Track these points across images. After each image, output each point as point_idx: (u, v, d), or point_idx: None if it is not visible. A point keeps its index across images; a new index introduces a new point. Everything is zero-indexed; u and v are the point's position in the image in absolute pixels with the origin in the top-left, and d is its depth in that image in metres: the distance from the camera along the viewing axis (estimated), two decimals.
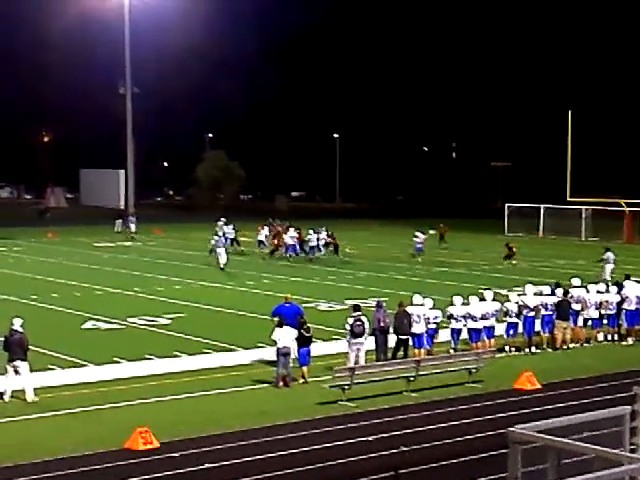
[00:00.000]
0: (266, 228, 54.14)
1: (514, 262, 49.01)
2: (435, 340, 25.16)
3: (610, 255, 43.47)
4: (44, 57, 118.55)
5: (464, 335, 25.70)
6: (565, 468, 10.30)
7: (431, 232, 55.62)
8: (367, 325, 23.07)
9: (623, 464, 9.79)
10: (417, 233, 53.04)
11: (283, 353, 21.76)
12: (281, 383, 21.81)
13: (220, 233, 51.12)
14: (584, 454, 10.29)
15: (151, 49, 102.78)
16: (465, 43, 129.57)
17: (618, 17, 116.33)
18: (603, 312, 27.95)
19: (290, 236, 51.48)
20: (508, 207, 78.14)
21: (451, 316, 25.62)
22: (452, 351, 24.97)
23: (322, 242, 51.92)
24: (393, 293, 35.54)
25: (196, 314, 32.65)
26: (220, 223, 55.04)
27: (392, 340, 24.30)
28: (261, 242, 53.07)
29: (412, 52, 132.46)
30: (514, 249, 49.94)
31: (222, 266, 45.73)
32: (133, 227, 68.01)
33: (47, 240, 64.33)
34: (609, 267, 42.46)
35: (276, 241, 52.37)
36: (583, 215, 72.64)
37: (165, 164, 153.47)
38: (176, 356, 25.07)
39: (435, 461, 16.59)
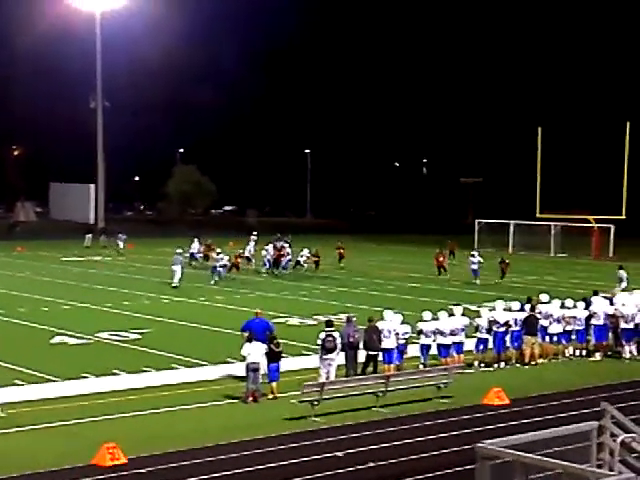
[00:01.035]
0: (270, 246, 53.11)
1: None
2: (405, 356, 25.16)
3: (622, 273, 43.60)
4: (13, 70, 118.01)
5: (433, 350, 25.75)
6: None
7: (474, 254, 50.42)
8: (339, 341, 23.05)
9: None
10: (473, 252, 50.38)
11: (252, 368, 21.67)
12: (250, 398, 21.72)
13: (188, 249, 51.09)
14: (552, 469, 10.31)
15: (123, 62, 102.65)
16: (436, 60, 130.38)
17: (586, 36, 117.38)
18: (569, 328, 28.10)
19: (266, 249, 51.68)
20: (478, 223, 78.54)
21: (421, 332, 25.64)
22: (421, 366, 24.98)
23: (303, 258, 52.43)
24: (364, 308, 35.55)
25: (165, 329, 32.50)
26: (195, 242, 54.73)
27: (362, 355, 24.29)
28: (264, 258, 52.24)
29: (383, 69, 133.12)
30: (507, 262, 50.22)
31: (175, 283, 44.65)
32: (121, 244, 66.58)
33: (16, 254, 63.87)
34: (622, 285, 41.49)
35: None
36: (552, 231, 73.13)
37: (136, 178, 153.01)
38: (144, 371, 24.91)
39: (404, 477, 16.57)
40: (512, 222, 75.08)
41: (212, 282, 46.00)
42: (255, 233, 60.44)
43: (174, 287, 44.16)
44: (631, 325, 28.56)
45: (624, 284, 41.66)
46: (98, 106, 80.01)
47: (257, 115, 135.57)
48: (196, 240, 54.76)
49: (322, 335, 23.05)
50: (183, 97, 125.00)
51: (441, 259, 50.91)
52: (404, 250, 73.34)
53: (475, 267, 48.50)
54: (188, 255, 52.95)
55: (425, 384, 22.68)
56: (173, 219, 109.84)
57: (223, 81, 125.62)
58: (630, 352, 28.55)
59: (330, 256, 56.59)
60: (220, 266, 47.49)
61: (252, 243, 54.97)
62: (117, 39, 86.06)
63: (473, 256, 49.12)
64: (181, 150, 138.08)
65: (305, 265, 52.46)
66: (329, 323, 23.59)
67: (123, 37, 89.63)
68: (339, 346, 23.02)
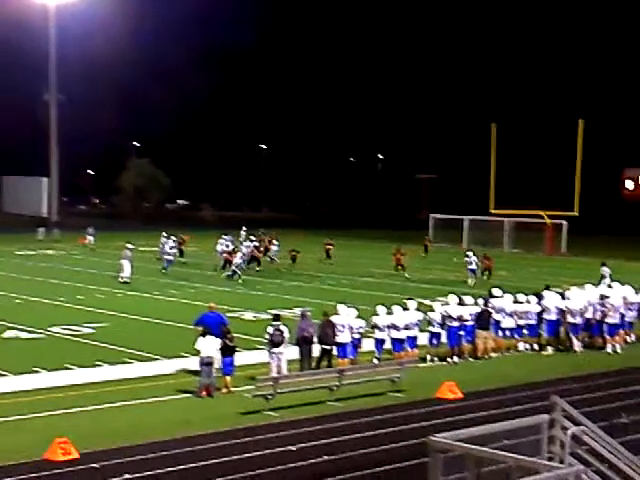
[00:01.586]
0: (248, 243, 52.73)
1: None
2: (359, 350, 25.24)
3: (605, 269, 43.80)
4: None
5: (388, 345, 25.86)
6: (485, 476, 10.39)
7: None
8: (287, 334, 23.02)
9: (540, 472, 9.91)
10: (468, 253, 49.50)
11: (206, 363, 21.63)
12: (204, 393, 21.67)
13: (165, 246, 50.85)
14: (503, 462, 10.40)
15: (77, 55, 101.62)
16: (390, 57, 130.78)
17: (540, 34, 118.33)
18: (522, 322, 28.38)
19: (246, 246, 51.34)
20: (432, 218, 78.94)
21: (375, 326, 25.74)
22: (376, 361, 25.09)
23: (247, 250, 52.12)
24: (319, 303, 35.60)
25: (119, 323, 32.30)
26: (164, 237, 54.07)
27: (317, 350, 24.33)
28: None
29: (339, 64, 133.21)
30: (491, 261, 50.02)
31: (125, 279, 44.14)
32: (92, 239, 65.62)
33: None
34: (605, 282, 40.78)
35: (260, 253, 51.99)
36: (506, 227, 73.73)
37: (90, 172, 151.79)
38: (98, 366, 24.75)
39: (357, 470, 16.64)
40: (466, 218, 75.57)
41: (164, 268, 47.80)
42: (245, 228, 60.48)
43: (123, 282, 43.76)
44: (578, 320, 28.88)
45: (607, 280, 41.48)
46: (52, 99, 79.10)
47: (212, 109, 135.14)
48: (172, 238, 53.37)
49: (270, 329, 23.03)
50: (138, 90, 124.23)
51: (399, 257, 50.92)
52: (359, 245, 73.56)
53: (473, 267, 47.86)
54: (173, 251, 51.83)
55: (379, 378, 22.79)
56: (127, 213, 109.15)
57: (179, 75, 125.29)
58: (578, 346, 28.90)
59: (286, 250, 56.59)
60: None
61: (243, 238, 54.27)
62: (72, 32, 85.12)
63: (468, 256, 48.61)
64: (136, 144, 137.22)
65: (276, 260, 52.16)
66: (276, 317, 23.57)
67: (78, 30, 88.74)
68: (287, 340, 23.02)
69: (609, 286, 33.64)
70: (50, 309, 35.46)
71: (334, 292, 41.30)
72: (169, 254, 50.42)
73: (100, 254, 59.88)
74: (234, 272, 46.58)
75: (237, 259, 47.53)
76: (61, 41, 79.59)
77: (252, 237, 55.28)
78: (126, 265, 44.57)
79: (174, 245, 51.90)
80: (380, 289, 43.05)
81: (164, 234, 53.50)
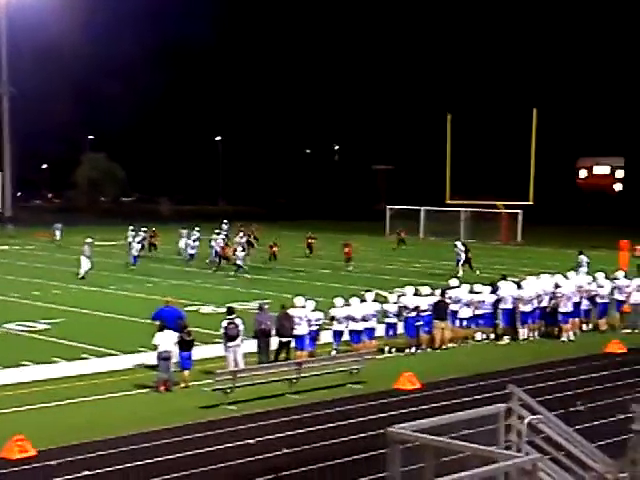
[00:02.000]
0: (241, 233, 52.23)
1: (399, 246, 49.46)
2: (317, 342, 25.26)
3: (583, 258, 44.06)
4: None
5: (346, 337, 25.90)
6: (443, 466, 10.44)
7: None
8: (242, 327, 22.96)
9: (498, 461, 9.98)
10: (457, 243, 49.70)
11: (164, 357, 21.54)
12: (162, 387, 21.58)
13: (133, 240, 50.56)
14: (461, 452, 10.45)
15: (29, 48, 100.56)
16: (345, 48, 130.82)
17: (493, 23, 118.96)
18: (478, 312, 28.56)
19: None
20: (389, 209, 79.18)
21: (333, 318, 25.77)
22: (334, 352, 25.13)
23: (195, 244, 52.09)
24: (276, 295, 35.58)
25: (75, 319, 32.05)
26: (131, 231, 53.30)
27: (275, 343, 24.31)
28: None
29: (295, 55, 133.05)
30: (402, 235, 50.84)
31: (81, 275, 43.67)
32: (58, 234, 64.45)
33: None
34: (583, 270, 40.51)
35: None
36: (462, 217, 74.16)
37: (44, 167, 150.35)
38: (54, 362, 24.54)
39: (316, 462, 16.65)
40: (422, 208, 75.89)
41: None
42: (226, 221, 60.16)
43: (81, 278, 43.35)
44: (529, 308, 29.12)
45: (584, 269, 41.36)
46: (4, 93, 78.25)
47: (168, 102, 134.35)
48: (241, 232, 52.14)
49: (224, 323, 22.96)
50: (93, 84, 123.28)
51: (347, 250, 50.60)
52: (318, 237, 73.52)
53: (461, 257, 47.81)
54: (138, 246, 51.00)
55: (338, 370, 22.83)
56: (82, 207, 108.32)
57: (134, 67, 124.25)
58: (525, 334, 29.20)
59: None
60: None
61: (242, 232, 53.95)
62: (23, 24, 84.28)
63: (456, 246, 48.78)
64: (91, 137, 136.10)
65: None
66: (230, 310, 23.50)
67: (29, 23, 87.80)
68: (242, 333, 22.96)
69: (588, 274, 34.01)
70: (5, 305, 35.09)
71: (292, 285, 41.28)
72: (136, 249, 49.96)
73: (59, 249, 59.36)
74: (239, 266, 46.34)
75: (238, 252, 47.24)
76: (12, 34, 78.73)
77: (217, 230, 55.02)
78: (84, 260, 44.12)
79: (142, 239, 51.55)
80: (338, 281, 43.08)
81: (131, 228, 53.18)
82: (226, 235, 54.09)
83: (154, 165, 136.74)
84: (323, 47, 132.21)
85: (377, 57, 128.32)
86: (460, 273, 45.58)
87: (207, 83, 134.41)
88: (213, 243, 50.63)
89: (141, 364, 24.22)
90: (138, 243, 50.55)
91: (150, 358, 23.27)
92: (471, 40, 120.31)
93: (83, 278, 43.21)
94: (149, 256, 53.90)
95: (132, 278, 43.71)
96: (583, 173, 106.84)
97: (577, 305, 30.00)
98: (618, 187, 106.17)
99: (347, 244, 51.13)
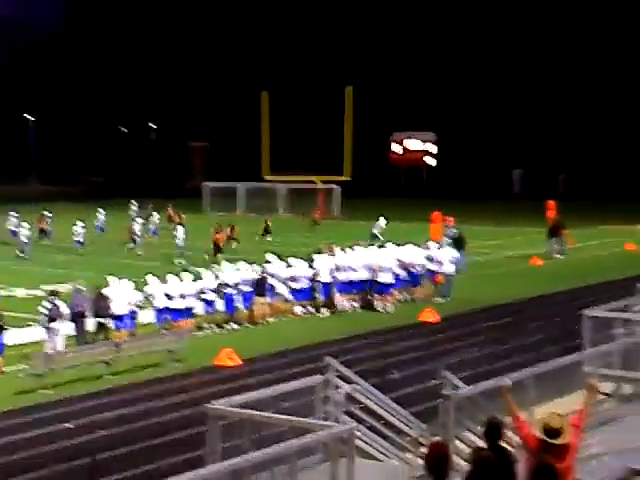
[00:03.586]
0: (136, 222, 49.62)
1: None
2: (136, 321, 24.97)
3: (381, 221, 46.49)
4: None
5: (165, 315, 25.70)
6: (263, 441, 10.54)
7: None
8: (63, 309, 22.50)
9: (315, 432, 10.16)
10: (380, 218, 48.38)
11: None
12: None
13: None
14: (280, 425, 10.59)
15: None
16: (159, 25, 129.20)
17: (309, 2, 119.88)
18: (297, 286, 28.89)
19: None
20: (206, 186, 78.73)
21: (150, 296, 25.53)
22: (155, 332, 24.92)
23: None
24: (92, 276, 34.88)
25: None
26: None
27: (93, 324, 23.89)
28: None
29: (110, 33, 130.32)
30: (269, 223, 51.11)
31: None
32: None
33: None
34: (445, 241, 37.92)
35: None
36: (280, 193, 74.69)
37: None
38: None
39: (136, 442, 16.55)
40: (239, 184, 75.88)
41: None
42: (134, 202, 58.06)
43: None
44: (346, 279, 29.90)
45: (447, 240, 38.36)
46: None
47: None
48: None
49: (46, 304, 22.47)
50: None
51: (218, 236, 47.12)
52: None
53: (377, 232, 46.57)
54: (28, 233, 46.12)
55: (157, 349, 22.67)
56: None
57: None
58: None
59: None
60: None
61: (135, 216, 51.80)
62: None
63: (379, 220, 48.30)
64: None
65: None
66: (52, 292, 23.08)
67: None
68: (64, 315, 22.50)
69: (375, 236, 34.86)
70: None
71: (110, 265, 40.51)
72: (25, 235, 45.28)
73: None
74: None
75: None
76: None
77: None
78: None
79: (29, 226, 46.47)
80: (155, 259, 42.54)
81: (13, 213, 50.26)
82: (140, 217, 51.80)
83: None
84: (135, 25, 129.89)
85: (192, 34, 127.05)
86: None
87: (22, 60, 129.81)
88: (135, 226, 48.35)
89: None
90: (25, 229, 46.63)
91: None
92: (286, 18, 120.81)
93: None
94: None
95: None
96: (396, 147, 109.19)
97: (397, 276, 30.79)
98: (431, 161, 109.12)
99: (219, 230, 47.37)
